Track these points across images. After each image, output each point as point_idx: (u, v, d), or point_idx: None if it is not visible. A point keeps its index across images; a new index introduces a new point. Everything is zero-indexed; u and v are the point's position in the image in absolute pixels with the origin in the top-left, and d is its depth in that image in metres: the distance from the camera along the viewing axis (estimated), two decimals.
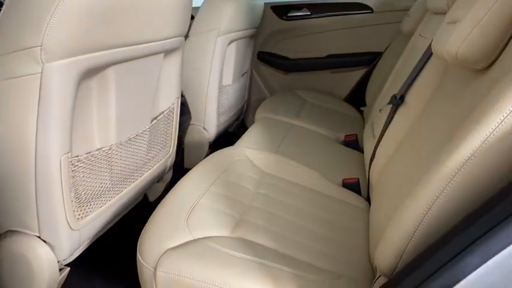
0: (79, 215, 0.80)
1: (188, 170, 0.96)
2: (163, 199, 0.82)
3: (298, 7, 1.90)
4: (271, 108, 1.57)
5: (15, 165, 0.68)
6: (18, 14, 0.59)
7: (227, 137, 1.77)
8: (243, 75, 1.74)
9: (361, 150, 1.34)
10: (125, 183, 0.95)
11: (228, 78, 1.54)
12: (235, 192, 0.88)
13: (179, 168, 1.45)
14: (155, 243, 0.68)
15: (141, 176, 1.02)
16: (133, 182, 0.99)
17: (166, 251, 0.66)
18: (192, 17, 1.37)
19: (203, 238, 0.70)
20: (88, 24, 0.61)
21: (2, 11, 0.59)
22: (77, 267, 0.91)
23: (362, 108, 1.79)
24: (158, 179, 1.19)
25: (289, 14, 1.92)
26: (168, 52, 0.93)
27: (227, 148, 1.10)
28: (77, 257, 0.89)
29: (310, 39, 1.90)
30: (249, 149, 1.09)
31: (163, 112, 1.05)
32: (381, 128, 1.07)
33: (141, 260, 0.67)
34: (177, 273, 0.64)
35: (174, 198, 0.82)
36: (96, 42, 0.65)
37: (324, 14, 1.86)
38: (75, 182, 0.75)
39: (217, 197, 0.84)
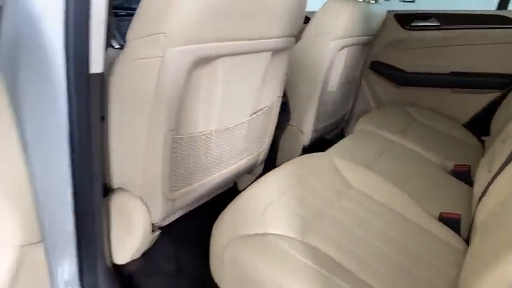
0: (175, 186, 0.89)
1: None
2: (247, 189, 0.86)
3: (425, 17, 1.75)
4: (374, 121, 1.49)
5: (130, 134, 0.80)
6: (150, 5, 0.69)
7: (323, 144, 1.75)
8: (350, 83, 1.69)
9: (471, 184, 1.17)
10: (217, 167, 1.02)
11: (333, 85, 1.51)
12: (316, 198, 0.87)
13: (270, 165, 1.50)
14: (229, 227, 0.73)
15: (233, 164, 1.09)
16: (225, 168, 1.06)
17: (238, 237, 0.69)
18: (308, 20, 1.40)
19: (274, 235, 0.72)
20: (205, 17, 0.68)
21: (140, 2, 0.70)
22: (166, 233, 1.03)
23: (484, 138, 1.56)
24: (249, 170, 1.25)
25: (413, 24, 1.78)
26: (276, 51, 0.96)
27: (317, 153, 1.09)
28: (168, 225, 1.01)
29: (432, 52, 1.73)
30: (338, 159, 1.06)
31: (263, 108, 1.10)
32: (501, 162, 0.92)
33: (214, 239, 0.72)
34: (243, 259, 0.67)
35: (257, 191, 0.85)
36: (209, 34, 0.71)
37: (456, 26, 1.67)
38: (175, 157, 0.84)
39: (297, 199, 0.84)
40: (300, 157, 1.05)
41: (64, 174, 0.71)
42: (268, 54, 0.94)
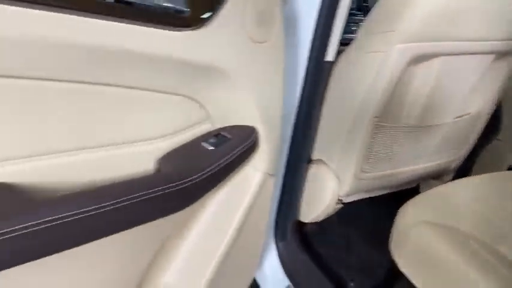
0: (365, 169, 1.01)
1: None
2: (441, 186, 0.89)
3: None
4: None
5: (339, 114, 0.96)
6: (387, 6, 0.81)
7: None
8: None
9: None
10: (407, 162, 1.08)
11: None
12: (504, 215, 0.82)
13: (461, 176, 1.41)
14: (420, 211, 0.79)
15: (422, 164, 1.12)
16: (414, 165, 1.10)
17: (427, 222, 0.76)
18: None
19: (464, 231, 0.74)
20: (431, 18, 0.75)
21: (377, 3, 0.84)
22: (343, 213, 1.17)
23: None
24: (437, 175, 1.24)
25: None
26: (499, 55, 0.93)
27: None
28: (347, 206, 1.14)
29: None
30: None
31: (469, 113, 1.07)
32: None
33: (401, 218, 0.80)
34: (428, 243, 0.73)
35: (452, 189, 0.87)
36: (431, 33, 0.78)
37: None
38: (372, 142, 0.96)
39: (495, 208, 0.82)
40: (504, 172, 0.98)
41: (286, 136, 0.94)
42: (490, 57, 0.92)
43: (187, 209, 0.59)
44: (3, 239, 0.36)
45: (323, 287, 1.02)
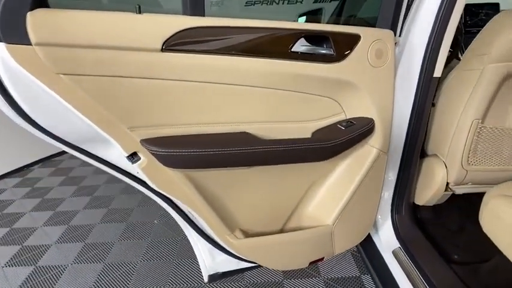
0: (471, 161, 1.26)
1: None
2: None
3: None
4: None
5: (447, 119, 1.24)
6: (484, 34, 1.08)
7: None
8: None
9: None
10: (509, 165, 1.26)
11: None
12: None
13: None
14: (502, 188, 1.03)
15: None
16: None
17: (504, 195, 1.00)
18: None
19: None
20: None
21: (482, 30, 1.12)
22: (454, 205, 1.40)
23: None
24: None
25: None
26: None
27: None
28: (458, 199, 1.38)
29: None
30: None
31: None
32: None
33: (487, 193, 1.06)
34: (502, 210, 0.98)
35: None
36: None
37: None
38: (476, 139, 1.21)
39: None
40: None
41: (403, 133, 1.29)
42: None
43: (326, 163, 1.04)
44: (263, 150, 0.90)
45: (428, 253, 1.30)
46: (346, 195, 1.14)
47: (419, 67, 1.16)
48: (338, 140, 1.00)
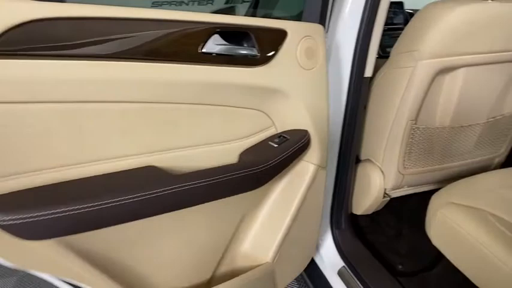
0: (406, 165, 1.18)
1: None
2: (475, 175, 1.03)
3: None
4: None
5: (380, 120, 1.15)
6: (411, 29, 1.00)
7: None
8: None
9: None
10: (446, 159, 1.22)
11: None
12: None
13: None
14: (447, 194, 0.95)
15: (463, 161, 1.25)
16: (455, 162, 1.24)
17: (452, 203, 0.91)
18: None
19: (487, 211, 0.89)
20: (450, 38, 0.93)
21: (406, 26, 1.03)
22: (392, 207, 1.33)
23: None
24: (480, 170, 1.35)
25: None
26: None
27: None
28: (395, 200, 1.30)
29: None
30: None
31: (504, 114, 1.19)
32: None
33: (432, 201, 0.97)
34: (454, 221, 0.89)
35: (483, 177, 1.01)
36: (452, 50, 0.95)
37: None
38: (410, 142, 1.13)
39: None
40: None
41: (336, 140, 1.15)
42: (510, 66, 1.06)
43: (258, 191, 0.84)
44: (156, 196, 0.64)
45: (373, 269, 1.19)
46: (284, 224, 0.95)
47: (350, 67, 1.03)
48: (271, 162, 0.79)
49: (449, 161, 1.23)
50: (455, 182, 1.02)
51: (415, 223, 1.41)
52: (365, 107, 1.20)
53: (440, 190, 1.01)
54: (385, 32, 1.62)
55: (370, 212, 1.33)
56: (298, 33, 0.79)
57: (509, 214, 0.88)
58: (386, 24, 1.91)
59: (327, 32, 1.02)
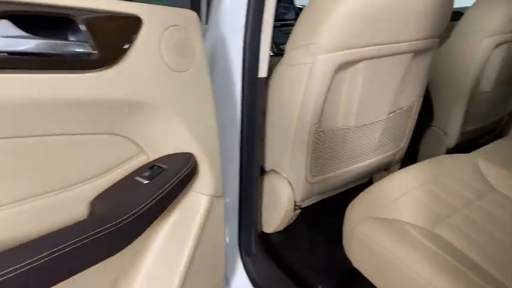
0: (315, 172, 1.05)
1: None
2: (382, 180, 0.95)
3: None
4: None
5: (282, 127, 0.99)
6: (305, 22, 0.85)
7: (473, 148, 1.62)
8: (508, 83, 1.52)
9: None
10: (353, 160, 1.13)
11: (487, 85, 1.40)
12: (451, 196, 0.88)
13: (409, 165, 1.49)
14: (362, 208, 0.83)
15: (369, 159, 1.17)
16: (361, 162, 1.16)
17: (369, 218, 0.80)
18: (460, 16, 1.34)
19: (404, 221, 0.79)
20: (349, 30, 0.81)
21: (298, 19, 0.88)
22: (305, 216, 1.20)
23: None
24: (384, 167, 1.31)
25: None
26: (417, 52, 1.01)
27: (459, 154, 1.07)
28: (307, 208, 1.17)
29: None
30: (484, 161, 1.02)
31: (402, 108, 1.15)
32: None
33: (348, 217, 0.84)
34: (372, 237, 0.77)
35: (392, 181, 0.93)
36: (351, 42, 0.83)
37: None
38: (317, 147, 1.00)
39: (431, 194, 0.88)
40: (440, 156, 1.05)
41: (235, 153, 0.96)
42: (409, 56, 1.00)
43: (133, 245, 0.58)
44: None
45: None
46: (178, 272, 0.71)
47: (240, 67, 0.84)
48: (139, 208, 0.55)
49: (356, 161, 1.14)
50: (365, 191, 0.92)
51: (331, 230, 1.31)
52: (264, 112, 1.04)
53: (353, 202, 0.89)
54: (278, 29, 1.49)
55: (282, 228, 1.17)
56: (159, 22, 0.56)
57: (424, 219, 0.80)
58: (277, 20, 1.79)
59: (206, 23, 0.81)
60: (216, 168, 0.72)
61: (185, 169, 0.64)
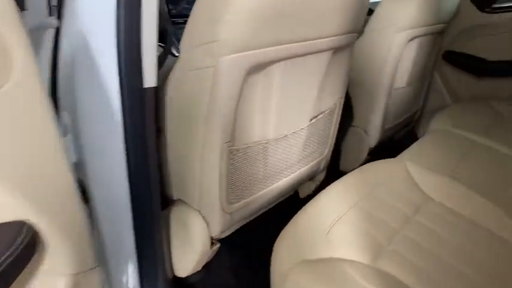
0: (233, 199, 0.86)
1: (343, 173, 0.91)
2: (309, 204, 0.80)
3: None
4: (452, 119, 1.32)
5: (186, 146, 0.78)
6: (202, 12, 0.65)
7: (392, 145, 1.60)
8: (421, 77, 1.52)
9: None
10: (277, 177, 0.97)
11: (402, 80, 1.37)
12: (388, 214, 0.77)
13: (334, 169, 1.40)
14: (291, 249, 0.66)
15: (293, 173, 1.02)
16: (285, 177, 1.00)
17: (301, 262, 0.63)
18: (371, 12, 1.28)
19: (342, 260, 0.64)
20: (258, 22, 0.63)
21: (192, 9, 0.67)
22: (227, 244, 1.00)
23: None
24: (310, 177, 1.18)
25: (495, 6, 1.55)
26: (337, 49, 0.88)
27: (386, 160, 0.98)
28: (229, 235, 0.97)
29: None
30: (413, 165, 0.94)
31: (324, 111, 1.02)
32: None
33: (275, 262, 0.66)
34: (308, 285, 0.60)
35: (319, 206, 0.78)
36: (263, 39, 0.66)
37: None
38: (232, 169, 0.81)
39: (365, 215, 0.75)
40: (367, 165, 0.95)
41: (122, 187, 0.71)
42: (328, 54, 0.86)
43: None
44: None
45: None
46: None
47: (116, 76, 0.61)
48: None
49: (279, 178, 0.98)
50: (291, 223, 0.75)
51: (259, 256, 1.13)
52: (160, 130, 0.81)
53: (281, 239, 0.72)
54: (182, 26, 1.26)
55: (200, 268, 0.96)
56: None
57: (363, 252, 0.66)
58: (182, 16, 1.53)
59: (58, 17, 0.56)
60: (78, 234, 0.48)
61: (12, 249, 0.38)
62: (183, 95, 0.73)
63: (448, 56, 1.66)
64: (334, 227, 0.70)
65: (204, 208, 0.84)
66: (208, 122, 0.72)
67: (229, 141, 0.75)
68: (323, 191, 0.85)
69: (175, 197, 0.92)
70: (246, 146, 0.81)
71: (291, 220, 0.75)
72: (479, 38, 1.58)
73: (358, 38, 1.07)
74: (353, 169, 0.94)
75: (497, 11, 1.54)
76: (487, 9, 1.55)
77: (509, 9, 1.52)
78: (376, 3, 1.31)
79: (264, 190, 0.95)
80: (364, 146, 1.41)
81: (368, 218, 0.74)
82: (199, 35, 0.67)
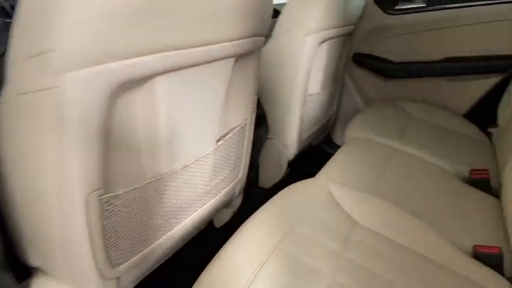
0: (117, 260, 0.64)
1: (262, 189, 0.76)
2: (223, 249, 0.63)
3: None
4: (367, 125, 1.27)
5: (35, 203, 0.54)
6: (32, 10, 0.43)
7: (310, 154, 1.52)
8: (333, 81, 1.46)
9: (495, 194, 0.97)
10: (181, 216, 0.77)
11: (316, 86, 1.28)
12: (314, 255, 0.63)
13: (253, 187, 1.25)
14: None
15: (202, 206, 0.84)
16: (192, 213, 0.81)
17: None
18: (278, 14, 1.16)
19: None
20: (121, 21, 0.43)
21: (15, 13, 0.45)
22: None
23: (490, 130, 1.37)
24: (225, 205, 1.01)
25: (397, 7, 1.57)
26: (240, 56, 0.72)
27: (306, 181, 0.86)
28: None
29: (421, 38, 1.52)
30: (335, 185, 0.83)
31: (233, 129, 0.86)
32: None
33: None
34: None
35: (235, 253, 0.61)
36: (133, 45, 0.47)
37: (445, 6, 1.47)
38: (111, 223, 0.59)
39: (288, 262, 0.60)
40: (284, 191, 0.81)
41: None
42: (229, 62, 0.70)
43: None
44: None
45: None
46: None
47: None
48: None
49: (186, 216, 0.79)
50: (205, 273, 0.58)
51: None
52: None
53: None
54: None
55: None
56: None
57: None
58: (9, 16, 1.19)
59: None
60: None
61: None
62: (16, 130, 0.50)
63: (357, 58, 1.65)
64: (254, 283, 0.54)
65: (75, 279, 0.61)
66: (62, 166, 0.49)
67: (99, 189, 0.54)
68: (239, 230, 0.69)
69: (33, 265, 0.66)
70: (128, 189, 0.60)
71: (204, 271, 0.58)
72: (385, 40, 1.59)
73: (265, 42, 0.94)
74: (272, 185, 0.80)
75: (399, 12, 1.56)
76: (389, 11, 1.56)
77: (411, 11, 1.55)
78: (281, 5, 1.19)
79: (166, 235, 0.75)
80: (283, 160, 1.29)
81: (292, 266, 0.60)
82: (30, 41, 0.44)
